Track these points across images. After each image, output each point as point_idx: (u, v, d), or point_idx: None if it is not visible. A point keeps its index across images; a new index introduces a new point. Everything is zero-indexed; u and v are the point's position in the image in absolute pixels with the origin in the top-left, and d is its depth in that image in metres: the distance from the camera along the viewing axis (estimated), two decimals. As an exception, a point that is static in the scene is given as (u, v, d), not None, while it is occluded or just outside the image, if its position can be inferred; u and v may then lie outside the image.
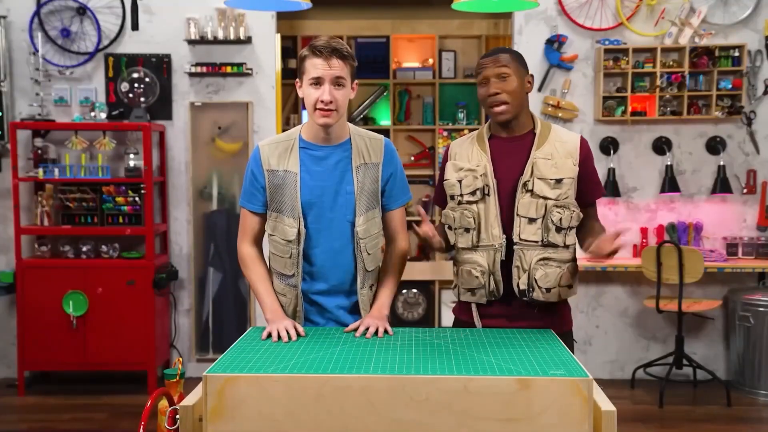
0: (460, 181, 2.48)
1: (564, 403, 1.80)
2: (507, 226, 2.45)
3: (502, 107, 2.44)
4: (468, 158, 2.50)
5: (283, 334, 2.25)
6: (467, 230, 2.46)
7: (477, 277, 2.45)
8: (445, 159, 2.60)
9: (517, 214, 2.43)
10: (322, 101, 2.34)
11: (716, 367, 5.21)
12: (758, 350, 4.91)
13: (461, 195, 2.48)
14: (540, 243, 2.42)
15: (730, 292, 5.16)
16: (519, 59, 2.49)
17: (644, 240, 5.20)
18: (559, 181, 2.41)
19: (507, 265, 2.45)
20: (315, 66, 2.34)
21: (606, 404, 1.82)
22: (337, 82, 2.35)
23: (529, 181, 2.42)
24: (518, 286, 2.43)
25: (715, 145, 5.18)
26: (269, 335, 2.27)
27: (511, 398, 1.81)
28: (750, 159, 5.19)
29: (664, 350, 5.19)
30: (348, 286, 2.50)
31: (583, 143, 2.51)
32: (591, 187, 2.53)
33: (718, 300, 5.07)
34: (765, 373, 4.90)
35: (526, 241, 2.42)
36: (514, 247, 2.43)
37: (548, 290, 2.43)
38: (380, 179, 2.50)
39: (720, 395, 4.83)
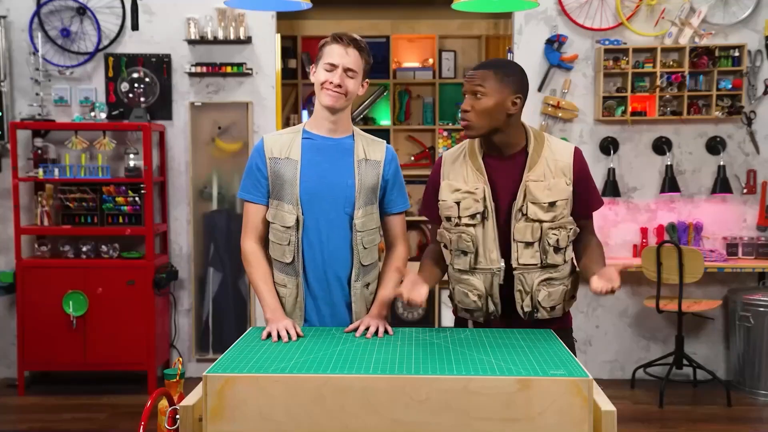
0: (457, 203, 2.39)
1: (564, 403, 1.80)
2: (504, 250, 2.38)
3: (465, 124, 2.34)
4: (464, 179, 2.41)
5: (283, 334, 2.26)
6: (465, 253, 2.40)
7: (474, 300, 2.42)
8: (437, 174, 2.50)
9: (514, 240, 2.36)
10: (330, 82, 2.41)
11: (716, 367, 5.21)
12: (758, 350, 4.91)
13: (459, 217, 2.40)
14: (539, 265, 2.37)
15: (730, 292, 5.16)
16: (505, 77, 2.32)
17: (644, 240, 5.20)
18: (552, 204, 2.35)
19: (506, 287, 2.40)
20: (333, 52, 2.42)
21: (606, 404, 1.82)
22: (349, 71, 2.42)
23: (522, 206, 2.35)
24: (522, 308, 2.40)
25: (715, 145, 5.18)
26: (269, 335, 2.28)
27: (511, 398, 1.81)
28: (750, 159, 5.19)
29: (664, 350, 5.19)
30: (343, 279, 2.51)
31: (577, 156, 2.42)
32: (587, 201, 2.46)
33: (718, 300, 5.06)
34: (765, 373, 4.89)
35: (525, 265, 2.37)
36: (514, 272, 2.38)
37: (552, 308, 2.42)
38: (381, 176, 2.52)
39: (720, 395, 4.83)
